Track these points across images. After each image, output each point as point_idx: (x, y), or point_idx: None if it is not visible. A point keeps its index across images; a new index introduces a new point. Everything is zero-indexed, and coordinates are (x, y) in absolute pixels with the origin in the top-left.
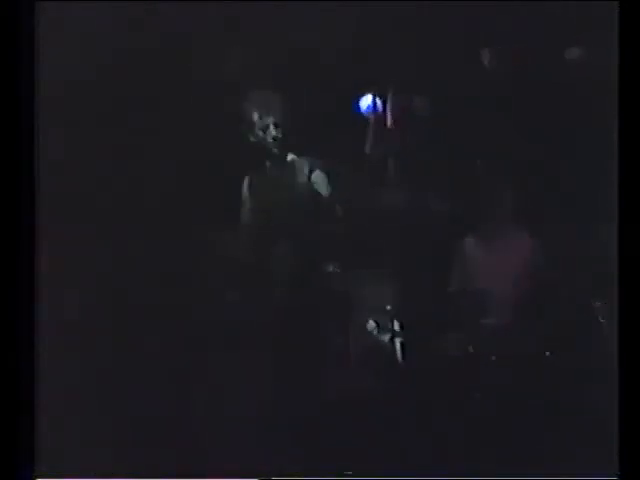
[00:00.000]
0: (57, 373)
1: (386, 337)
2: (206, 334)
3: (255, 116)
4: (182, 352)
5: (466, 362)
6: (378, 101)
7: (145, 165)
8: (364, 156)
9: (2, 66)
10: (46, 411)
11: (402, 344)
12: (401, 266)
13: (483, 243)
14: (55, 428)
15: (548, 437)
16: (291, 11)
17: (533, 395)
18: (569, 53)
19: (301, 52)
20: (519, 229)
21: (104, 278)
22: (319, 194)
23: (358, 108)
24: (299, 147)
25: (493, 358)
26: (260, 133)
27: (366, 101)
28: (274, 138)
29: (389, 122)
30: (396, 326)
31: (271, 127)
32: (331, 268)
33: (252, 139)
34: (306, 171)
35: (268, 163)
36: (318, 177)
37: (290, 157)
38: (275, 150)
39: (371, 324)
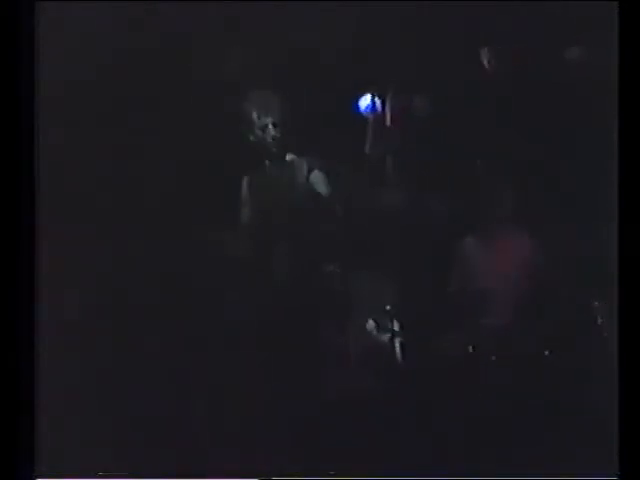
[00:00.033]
0: (57, 373)
1: (386, 337)
2: (206, 334)
3: (255, 116)
4: (182, 352)
5: (466, 362)
6: (377, 101)
7: (145, 165)
8: (363, 156)
9: (2, 66)
10: (46, 411)
11: (402, 344)
12: (401, 266)
13: (483, 243)
14: (55, 428)
15: (548, 437)
16: (291, 11)
17: (533, 395)
18: (569, 53)
19: (301, 52)
20: (519, 229)
21: (104, 278)
22: (319, 194)
23: (357, 108)
24: (299, 147)
25: (493, 358)
26: (260, 133)
27: (365, 101)
28: (273, 138)
29: (388, 122)
30: (396, 326)
31: (270, 127)
32: (331, 268)
33: (252, 139)
34: (305, 171)
35: (268, 163)
36: (317, 177)
37: (289, 157)
38: (275, 150)
39: (371, 324)
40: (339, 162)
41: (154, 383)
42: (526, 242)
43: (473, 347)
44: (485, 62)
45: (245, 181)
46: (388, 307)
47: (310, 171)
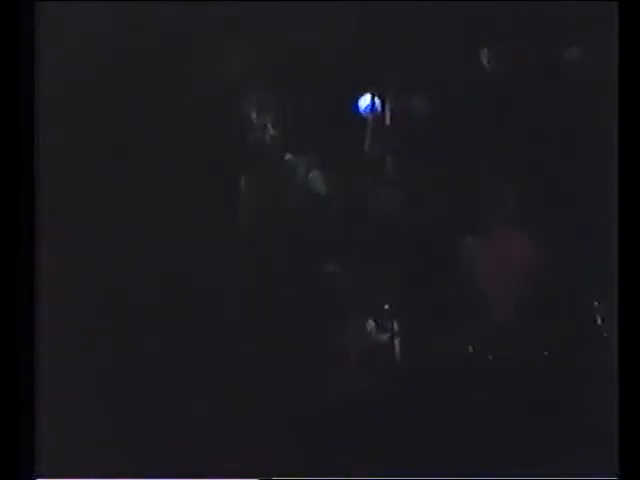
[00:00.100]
0: (57, 373)
1: (386, 337)
2: (206, 334)
3: (254, 116)
4: (182, 352)
5: (466, 362)
6: (377, 101)
7: (145, 165)
8: (363, 156)
9: (2, 66)
10: (46, 411)
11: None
12: (401, 266)
13: (483, 243)
14: (55, 428)
15: (548, 437)
16: (291, 11)
17: (533, 395)
18: (569, 53)
19: (301, 52)
20: (519, 229)
21: (104, 278)
22: (318, 194)
23: (357, 108)
24: (298, 147)
25: (491, 358)
26: (259, 133)
27: (365, 101)
28: (273, 138)
29: (388, 121)
30: (395, 326)
31: (270, 127)
32: (331, 268)
33: (251, 139)
34: (304, 171)
35: (267, 163)
36: (316, 176)
37: (289, 157)
38: (274, 150)
39: (370, 324)
40: (339, 162)
41: (154, 383)
42: (526, 242)
43: (473, 347)
44: (485, 62)
45: (245, 181)
46: (387, 307)
47: (309, 171)
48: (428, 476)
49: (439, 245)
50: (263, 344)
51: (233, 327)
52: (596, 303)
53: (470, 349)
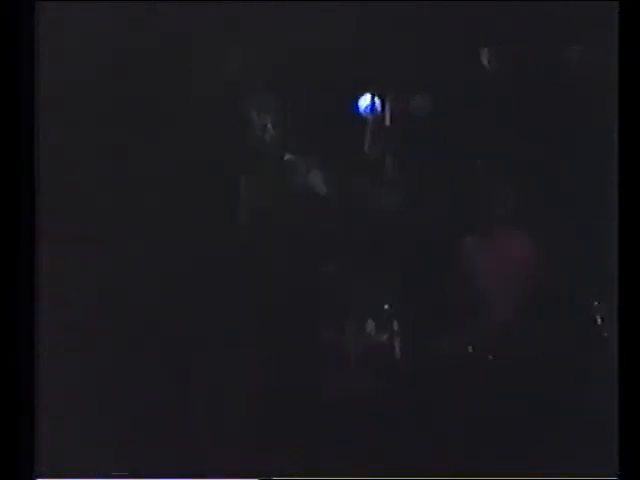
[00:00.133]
0: (57, 373)
1: (386, 337)
2: (206, 334)
3: (254, 116)
4: (182, 352)
5: (466, 362)
6: (377, 101)
7: (145, 165)
8: (363, 155)
9: (2, 66)
10: (46, 411)
11: (399, 341)
12: (400, 266)
13: (483, 243)
14: (55, 428)
15: (548, 437)
16: (291, 11)
17: (533, 395)
18: (569, 53)
19: (301, 52)
20: (519, 229)
21: (104, 278)
22: (318, 194)
23: (357, 108)
24: (298, 147)
25: (491, 357)
26: (259, 133)
27: (365, 101)
28: (273, 137)
29: (388, 122)
30: (395, 326)
31: (270, 127)
32: (331, 268)
33: (251, 139)
34: (304, 171)
35: (267, 163)
36: (315, 177)
37: (288, 157)
38: (274, 150)
39: (370, 324)
40: (339, 162)
41: (154, 383)
42: (526, 242)
43: (473, 347)
44: (485, 62)
45: (244, 181)
46: (386, 307)
47: (309, 171)
48: (428, 476)
49: (439, 245)
50: (263, 344)
51: (233, 327)
52: (596, 303)
53: (470, 349)
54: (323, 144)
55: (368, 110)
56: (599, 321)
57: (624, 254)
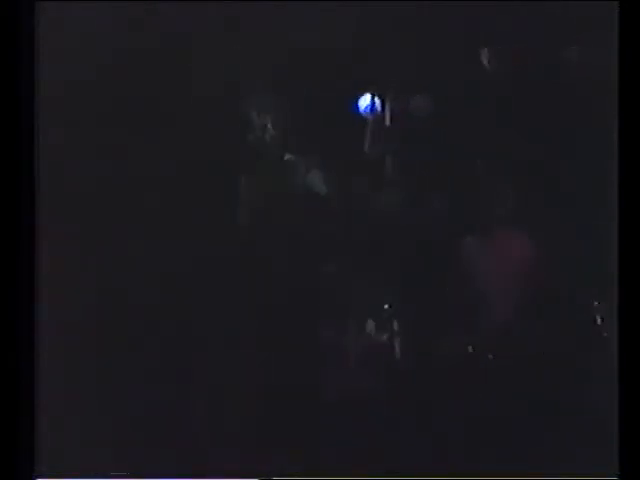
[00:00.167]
0: (57, 373)
1: (385, 337)
2: (206, 334)
3: (254, 116)
4: (182, 352)
5: (466, 362)
6: (377, 101)
7: (145, 165)
8: (363, 155)
9: (2, 66)
10: (46, 411)
11: (399, 341)
12: (400, 266)
13: (483, 243)
14: (55, 428)
15: (548, 437)
16: (291, 11)
17: (533, 395)
18: (569, 53)
19: (301, 52)
20: (519, 229)
21: (104, 278)
22: (318, 194)
23: (357, 108)
24: (298, 147)
25: (491, 357)
26: (259, 132)
27: (365, 101)
28: (273, 137)
29: (388, 122)
30: (395, 326)
31: (270, 127)
32: (331, 268)
33: (251, 139)
34: (304, 171)
35: (267, 163)
36: (315, 176)
37: (288, 157)
38: (274, 150)
39: (371, 324)
40: (339, 162)
41: (154, 383)
42: (526, 242)
43: (473, 347)
44: (485, 62)
45: (244, 181)
46: (387, 307)
47: (309, 171)
48: (428, 476)
49: (439, 245)
50: (263, 344)
51: (233, 327)
52: (596, 303)
53: (470, 349)
54: (323, 144)
55: (368, 110)
56: (599, 321)
57: (624, 254)
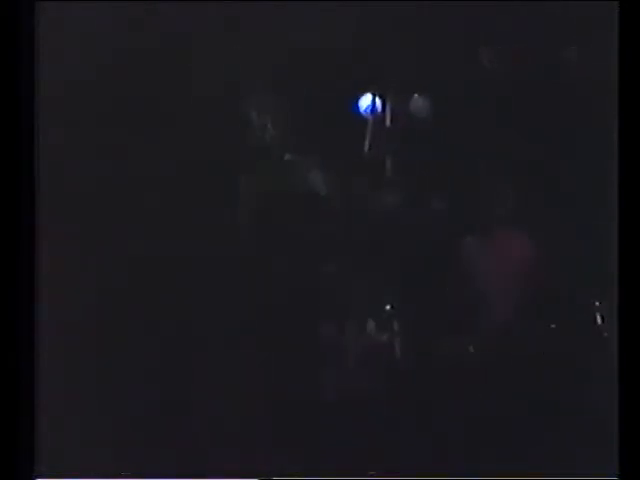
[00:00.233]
0: (57, 373)
1: (385, 337)
2: (206, 334)
3: (254, 116)
4: (182, 352)
5: (466, 362)
6: (378, 101)
7: (145, 165)
8: (363, 155)
9: (2, 66)
10: (46, 411)
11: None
12: (401, 266)
13: (483, 243)
14: (55, 428)
15: (548, 437)
16: (291, 11)
17: (533, 395)
18: (569, 53)
19: (301, 52)
20: (519, 229)
21: (104, 278)
22: (318, 194)
23: (358, 108)
24: (298, 147)
25: (491, 357)
26: (259, 132)
27: (365, 101)
28: (273, 137)
29: (388, 122)
30: (395, 326)
31: (270, 127)
32: (331, 268)
33: (251, 139)
34: (304, 170)
35: (267, 163)
36: (315, 176)
37: (288, 156)
38: (274, 150)
39: (371, 324)
40: (339, 162)
41: (154, 383)
42: (526, 242)
43: (473, 347)
44: (485, 62)
45: (244, 181)
46: (387, 307)
47: (309, 171)
48: (428, 476)
49: (439, 245)
50: (263, 344)
51: (233, 327)
52: (597, 303)
53: (470, 349)
54: (323, 144)
55: (369, 110)
56: (599, 321)
57: (624, 254)
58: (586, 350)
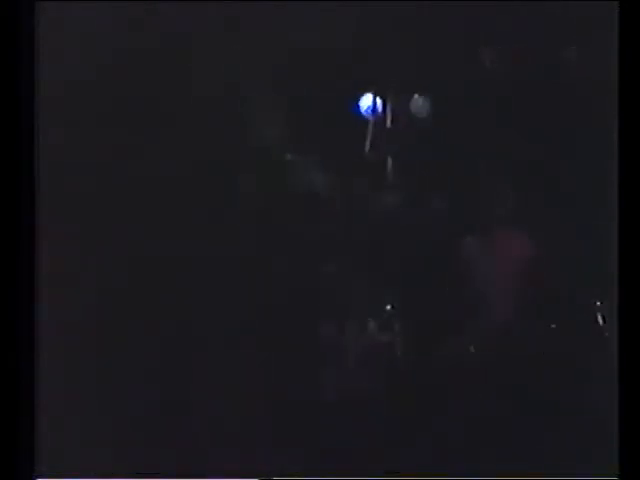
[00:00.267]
0: (57, 373)
1: (385, 337)
2: (206, 334)
3: (254, 116)
4: (182, 352)
5: (466, 362)
6: (378, 101)
7: (145, 165)
8: (363, 155)
9: (2, 66)
10: (46, 411)
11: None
12: (401, 266)
13: (483, 243)
14: (55, 428)
15: (548, 437)
16: (291, 11)
17: (533, 395)
18: (569, 53)
19: (301, 52)
20: (519, 229)
21: (104, 278)
22: (318, 194)
23: (358, 108)
24: (298, 147)
25: (490, 357)
26: (259, 132)
27: (366, 101)
28: (273, 137)
29: (389, 123)
30: (395, 326)
31: (270, 127)
32: (331, 268)
33: (251, 139)
34: (304, 171)
35: (267, 163)
36: (315, 177)
37: (288, 156)
38: (274, 150)
39: (371, 324)
40: (339, 162)
41: (154, 383)
42: (526, 242)
43: (473, 347)
44: (485, 62)
45: (244, 181)
46: (389, 307)
47: (309, 171)
48: (428, 476)
49: (439, 245)
50: (263, 344)
51: (233, 327)
52: (598, 303)
53: (472, 349)
54: (323, 144)
55: (370, 111)
56: (600, 321)
57: (624, 254)
58: (586, 350)
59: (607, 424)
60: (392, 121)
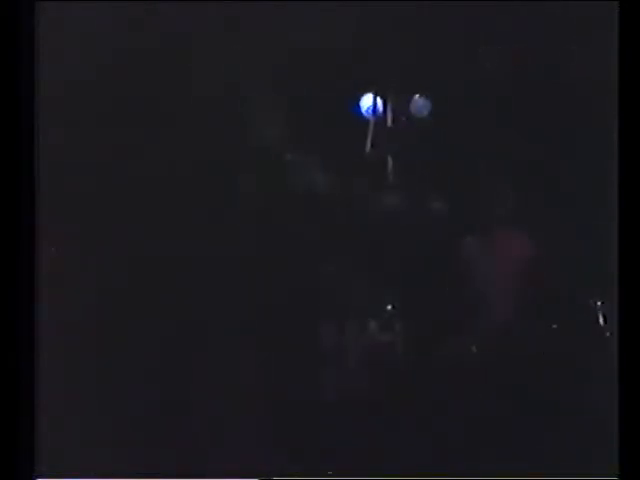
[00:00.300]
0: (57, 373)
1: (386, 337)
2: (206, 334)
3: (254, 116)
4: (182, 352)
5: (466, 362)
6: (379, 101)
7: (145, 165)
8: (363, 155)
9: (2, 66)
10: (46, 411)
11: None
12: (401, 266)
13: (483, 243)
14: (55, 428)
15: (548, 437)
16: (291, 11)
17: (533, 395)
18: (569, 53)
19: (301, 52)
20: (519, 229)
21: (104, 278)
22: (318, 194)
23: (359, 109)
24: (298, 147)
25: (490, 356)
26: (259, 132)
27: (366, 101)
28: (273, 137)
29: (389, 123)
30: (396, 326)
31: (270, 127)
32: (331, 268)
33: (251, 139)
34: (304, 171)
35: (267, 163)
36: (315, 177)
37: (288, 156)
38: (274, 150)
39: (371, 324)
40: (339, 162)
41: (154, 383)
42: (526, 242)
43: (474, 347)
44: (485, 62)
45: (244, 181)
46: (389, 307)
47: (309, 171)
48: (428, 476)
49: (439, 245)
50: (263, 344)
51: (233, 327)
52: (599, 303)
53: (473, 349)
54: (323, 144)
55: (370, 111)
56: (602, 321)
57: (624, 254)
58: (586, 350)
59: (607, 424)
60: (393, 121)
